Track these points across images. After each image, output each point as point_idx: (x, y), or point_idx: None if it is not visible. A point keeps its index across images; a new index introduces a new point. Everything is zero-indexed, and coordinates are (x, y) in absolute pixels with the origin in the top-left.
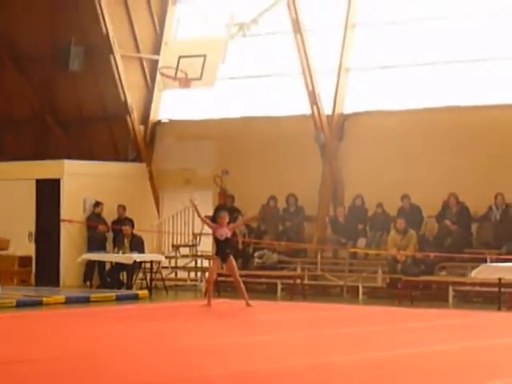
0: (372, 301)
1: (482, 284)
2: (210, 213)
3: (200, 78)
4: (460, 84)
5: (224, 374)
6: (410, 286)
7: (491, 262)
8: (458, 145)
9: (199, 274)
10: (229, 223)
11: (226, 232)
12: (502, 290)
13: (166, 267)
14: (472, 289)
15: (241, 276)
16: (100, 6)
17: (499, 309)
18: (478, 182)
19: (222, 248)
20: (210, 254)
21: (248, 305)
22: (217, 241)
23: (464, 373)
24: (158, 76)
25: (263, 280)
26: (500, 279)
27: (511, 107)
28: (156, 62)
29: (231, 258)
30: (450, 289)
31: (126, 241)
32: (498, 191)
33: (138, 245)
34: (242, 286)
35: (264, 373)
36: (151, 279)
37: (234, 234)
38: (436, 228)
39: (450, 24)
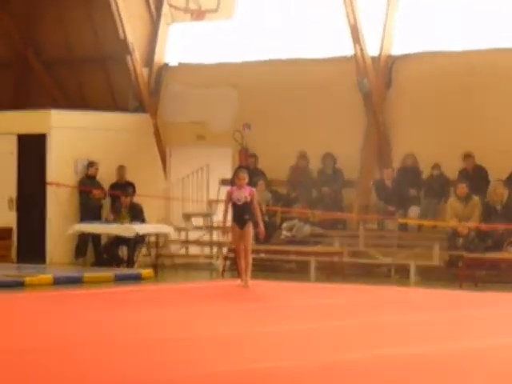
0: (427, 282)
1: None
2: (229, 175)
3: (216, 10)
4: None
5: (238, 370)
6: (474, 265)
7: None
8: None
9: (215, 249)
10: (249, 185)
11: (244, 195)
12: None
13: (175, 241)
14: None
15: (265, 252)
16: None
17: None
18: None
19: (240, 213)
20: (228, 225)
21: (245, 285)
22: (234, 205)
23: None
24: (165, 7)
25: (293, 257)
26: None
27: None
28: None
29: (250, 224)
30: None
31: (123, 208)
32: None
33: (137, 213)
34: (251, 260)
35: (286, 370)
36: (157, 255)
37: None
38: (506, 194)
39: None
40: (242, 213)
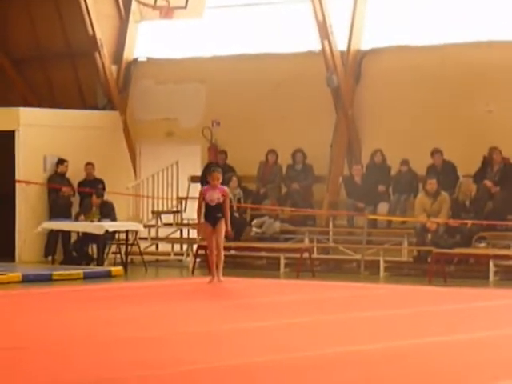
0: (396, 278)
1: None
2: (198, 172)
3: (185, 7)
4: (505, 15)
5: (212, 367)
6: (443, 260)
7: None
8: (502, 87)
9: (185, 246)
10: (222, 184)
11: (217, 197)
12: None
13: (145, 238)
14: None
15: (235, 249)
16: None
17: None
18: None
19: (212, 213)
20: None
21: (218, 280)
22: (206, 205)
23: (507, 367)
24: (134, 4)
25: (263, 254)
26: None
27: None
28: None
29: (222, 221)
30: (491, 263)
31: (94, 207)
32: None
33: (108, 211)
34: (222, 256)
35: (260, 365)
36: (127, 253)
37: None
38: (474, 190)
39: None
40: (214, 212)
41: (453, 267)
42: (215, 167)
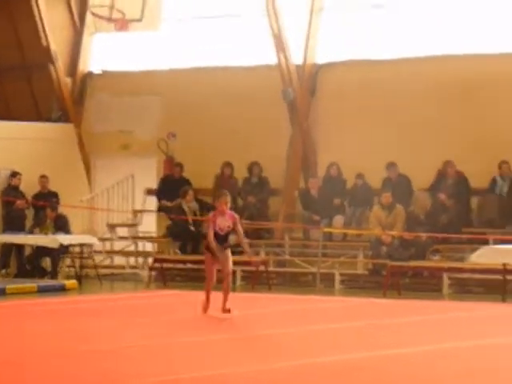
0: (351, 291)
1: (483, 270)
2: (154, 185)
3: (140, 20)
4: (458, 30)
5: (166, 380)
6: (398, 273)
7: (494, 243)
8: (455, 102)
9: (140, 259)
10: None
11: (227, 224)
12: (507, 277)
13: (100, 252)
14: (471, 276)
15: (191, 262)
16: None
17: (504, 300)
18: (479, 148)
19: (221, 242)
20: (154, 235)
21: (225, 310)
22: (215, 234)
23: (461, 380)
24: (89, 16)
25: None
26: (505, 264)
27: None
28: None
29: (228, 250)
30: (445, 276)
31: (48, 220)
32: (503, 158)
33: (62, 225)
34: (230, 285)
35: (213, 379)
36: (81, 266)
37: (183, 213)
38: (428, 203)
39: None
40: (222, 242)
41: (407, 280)
42: (223, 191)
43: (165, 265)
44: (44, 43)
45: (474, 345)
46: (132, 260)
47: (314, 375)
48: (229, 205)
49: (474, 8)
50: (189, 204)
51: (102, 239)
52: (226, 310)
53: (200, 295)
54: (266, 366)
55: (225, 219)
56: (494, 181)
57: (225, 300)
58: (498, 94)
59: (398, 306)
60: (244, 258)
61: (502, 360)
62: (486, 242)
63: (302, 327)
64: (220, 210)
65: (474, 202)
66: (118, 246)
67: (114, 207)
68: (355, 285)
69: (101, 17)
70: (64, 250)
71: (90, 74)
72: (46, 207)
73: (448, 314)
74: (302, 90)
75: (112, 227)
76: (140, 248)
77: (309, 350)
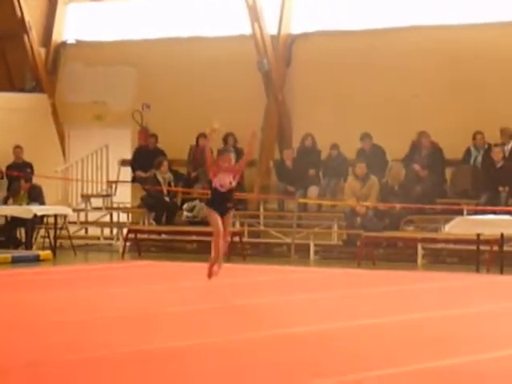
0: (326, 261)
1: (456, 241)
2: (128, 156)
3: None
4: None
5: (141, 350)
6: (372, 244)
7: (468, 214)
8: (429, 74)
9: (115, 230)
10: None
11: (229, 181)
12: (481, 247)
13: (74, 222)
14: (445, 246)
15: (166, 233)
16: None
17: (477, 270)
18: (453, 119)
19: (222, 200)
20: (128, 205)
21: (219, 266)
22: (215, 190)
23: (433, 348)
24: None
25: (193, 238)
26: (479, 235)
27: (496, 28)
28: None
29: (231, 213)
30: (419, 247)
31: (22, 191)
32: (477, 129)
33: (36, 195)
34: (226, 249)
35: (188, 349)
36: (55, 237)
37: (158, 183)
38: (403, 174)
39: None
40: (224, 200)
41: (382, 250)
42: (226, 150)
43: (139, 235)
44: (18, 14)
45: (448, 314)
46: (106, 231)
47: (287, 345)
48: (232, 162)
49: None
50: (163, 175)
51: (77, 210)
52: (211, 273)
53: (174, 265)
54: (240, 336)
55: (226, 176)
56: (468, 151)
57: (217, 261)
58: (472, 66)
59: (373, 276)
60: None
61: (474, 328)
62: (460, 213)
63: (277, 297)
64: (223, 168)
65: (449, 172)
66: (93, 216)
67: (89, 178)
68: (330, 255)
69: None
70: (38, 220)
71: (63, 44)
72: (20, 178)
73: (422, 285)
74: (277, 61)
75: (86, 198)
76: (114, 219)
77: (283, 321)
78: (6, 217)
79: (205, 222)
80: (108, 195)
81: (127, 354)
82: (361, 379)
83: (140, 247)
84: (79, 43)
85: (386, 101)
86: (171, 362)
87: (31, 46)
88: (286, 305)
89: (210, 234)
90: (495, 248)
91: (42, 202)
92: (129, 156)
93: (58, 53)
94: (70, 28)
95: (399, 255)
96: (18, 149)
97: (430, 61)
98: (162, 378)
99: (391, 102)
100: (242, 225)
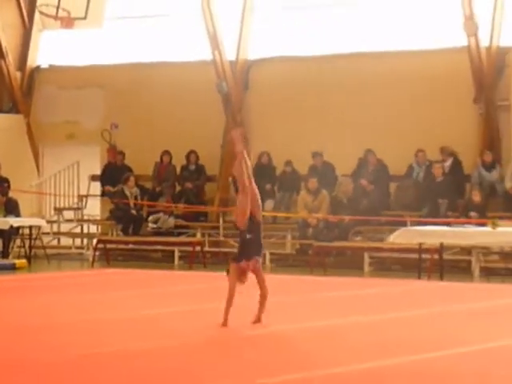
0: (280, 269)
1: (400, 250)
2: (98, 171)
3: (85, 18)
4: (384, 27)
5: (93, 353)
6: (323, 253)
7: (411, 225)
8: (376, 96)
9: (85, 240)
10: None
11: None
12: (423, 256)
13: (48, 233)
14: (390, 255)
15: (133, 243)
16: None
17: (419, 277)
18: (397, 138)
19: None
20: (98, 218)
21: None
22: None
23: (375, 348)
24: (37, 14)
25: (158, 247)
26: (420, 244)
27: (437, 52)
28: None
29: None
30: (366, 255)
31: None
32: (419, 147)
33: (12, 208)
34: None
35: (135, 353)
36: (30, 247)
37: (125, 197)
38: (351, 188)
39: None
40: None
41: (332, 259)
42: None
43: (108, 245)
44: None
45: (392, 317)
46: (78, 241)
47: (235, 347)
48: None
49: (397, 6)
50: (130, 189)
51: (50, 221)
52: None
53: (140, 273)
54: (195, 337)
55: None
56: (410, 168)
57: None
58: (414, 89)
59: (323, 282)
60: (182, 239)
61: (414, 330)
62: (403, 224)
63: (233, 302)
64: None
65: (393, 187)
66: (65, 227)
67: (61, 192)
68: (284, 263)
69: (48, 15)
70: (14, 231)
71: (38, 68)
72: None
73: (369, 290)
74: (236, 84)
75: (59, 210)
76: (85, 230)
77: (239, 323)
78: None
79: (169, 233)
80: (79, 208)
81: (82, 356)
82: (304, 378)
83: (109, 256)
84: (52, 67)
85: (336, 121)
86: (124, 363)
87: (8, 70)
88: (239, 309)
89: (173, 243)
90: (435, 256)
91: (18, 214)
92: (98, 172)
93: (32, 76)
94: (44, 53)
95: (348, 263)
96: None
97: (375, 84)
98: (111, 379)
99: (340, 122)
100: (203, 235)
